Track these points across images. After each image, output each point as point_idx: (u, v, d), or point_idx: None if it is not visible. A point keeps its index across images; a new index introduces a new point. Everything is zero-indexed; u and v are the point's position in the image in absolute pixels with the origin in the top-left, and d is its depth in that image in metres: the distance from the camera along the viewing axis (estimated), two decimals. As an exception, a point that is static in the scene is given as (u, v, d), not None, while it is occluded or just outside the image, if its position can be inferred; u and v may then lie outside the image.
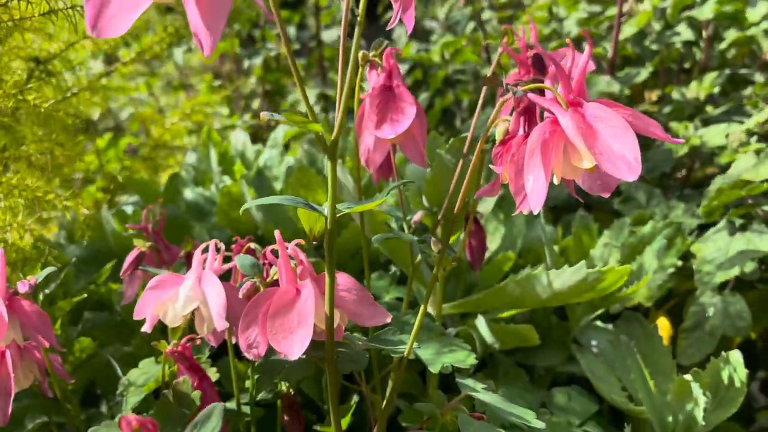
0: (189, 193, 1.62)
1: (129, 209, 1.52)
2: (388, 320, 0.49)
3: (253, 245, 0.61)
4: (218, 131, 2.57)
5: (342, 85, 0.41)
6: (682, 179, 1.61)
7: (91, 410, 1.06)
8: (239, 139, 1.85)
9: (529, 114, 0.44)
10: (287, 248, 0.48)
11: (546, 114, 0.40)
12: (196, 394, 0.61)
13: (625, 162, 0.31)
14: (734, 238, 1.05)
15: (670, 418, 0.84)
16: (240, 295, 0.50)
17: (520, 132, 0.45)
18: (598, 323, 1.10)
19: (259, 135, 2.82)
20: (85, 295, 1.04)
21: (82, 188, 1.81)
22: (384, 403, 0.60)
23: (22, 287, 0.61)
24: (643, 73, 1.54)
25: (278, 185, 1.50)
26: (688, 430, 0.79)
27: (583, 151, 0.33)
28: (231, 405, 0.77)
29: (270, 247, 0.53)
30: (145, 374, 0.80)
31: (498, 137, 0.48)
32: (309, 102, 0.38)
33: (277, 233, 0.47)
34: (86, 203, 1.42)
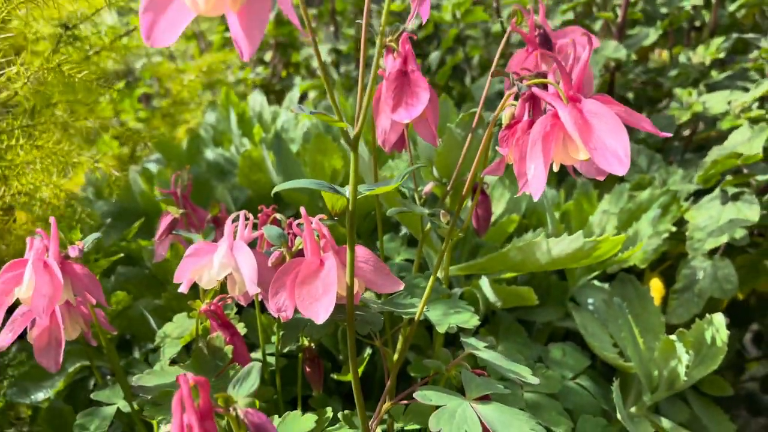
0: (210, 154, 1.66)
1: (153, 167, 1.57)
2: (401, 288, 0.53)
3: (278, 216, 0.64)
4: (233, 85, 2.56)
5: (363, 86, 0.42)
6: (684, 142, 1.58)
7: (127, 356, 1.15)
8: (257, 100, 1.89)
9: (534, 101, 0.46)
10: (312, 222, 0.51)
11: (548, 106, 0.41)
12: (228, 348, 0.67)
13: (616, 157, 0.33)
14: (726, 207, 1.06)
15: (656, 373, 0.90)
16: (269, 264, 0.54)
17: (525, 117, 0.47)
18: (595, 283, 1.15)
19: (270, 87, 2.78)
20: (121, 254, 1.10)
21: (98, 138, 1.83)
22: (396, 356, 0.65)
23: (73, 252, 0.65)
24: (652, 36, 1.48)
25: (295, 147, 1.51)
26: (672, 384, 0.85)
27: (580, 145, 0.35)
28: (257, 355, 0.85)
29: (296, 221, 0.56)
30: (179, 328, 0.86)
31: (504, 121, 0.49)
32: (331, 92, 0.39)
33: (302, 210, 0.50)
34: (109, 160, 1.45)
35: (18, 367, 0.99)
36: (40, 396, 0.95)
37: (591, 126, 0.35)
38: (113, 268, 1.21)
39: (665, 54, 1.88)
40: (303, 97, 2.41)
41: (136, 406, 0.77)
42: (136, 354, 1.20)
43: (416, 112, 0.51)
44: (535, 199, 0.37)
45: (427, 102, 0.52)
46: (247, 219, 0.62)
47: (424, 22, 0.38)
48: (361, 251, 0.50)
